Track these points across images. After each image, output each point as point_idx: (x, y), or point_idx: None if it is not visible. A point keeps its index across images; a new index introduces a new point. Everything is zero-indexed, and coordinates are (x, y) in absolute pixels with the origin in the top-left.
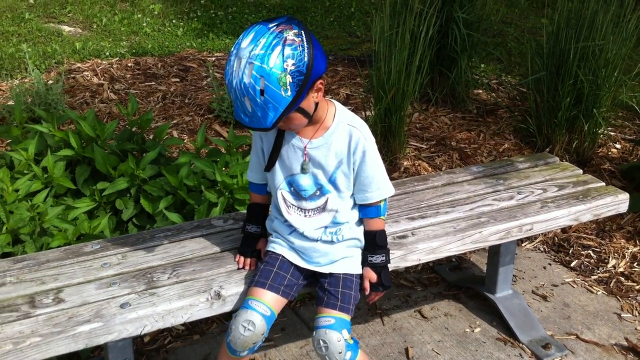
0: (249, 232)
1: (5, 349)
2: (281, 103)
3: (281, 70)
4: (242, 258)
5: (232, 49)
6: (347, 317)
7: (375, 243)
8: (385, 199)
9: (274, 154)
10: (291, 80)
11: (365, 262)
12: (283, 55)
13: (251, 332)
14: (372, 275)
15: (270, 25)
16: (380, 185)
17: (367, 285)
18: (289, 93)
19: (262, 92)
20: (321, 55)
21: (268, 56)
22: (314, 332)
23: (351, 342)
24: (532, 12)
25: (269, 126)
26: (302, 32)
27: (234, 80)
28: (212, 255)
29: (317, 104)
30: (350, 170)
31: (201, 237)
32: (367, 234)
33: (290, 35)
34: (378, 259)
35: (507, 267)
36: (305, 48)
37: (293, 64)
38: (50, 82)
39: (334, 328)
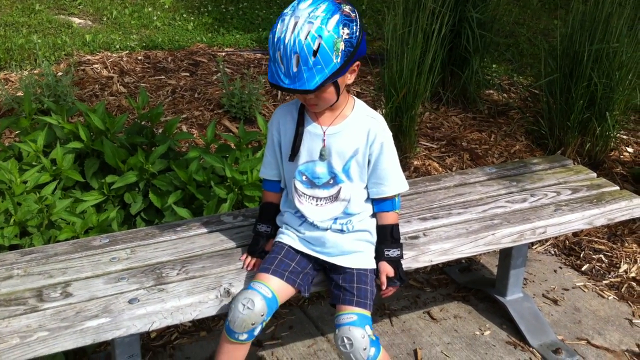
0: (260, 231)
1: (12, 342)
2: (329, 67)
3: (337, 36)
4: (248, 258)
5: (287, 11)
6: (367, 313)
7: (392, 236)
8: (399, 193)
9: (298, 141)
10: (343, 48)
11: (381, 256)
12: (340, 23)
13: (250, 310)
14: (389, 270)
15: None
16: (396, 179)
17: (384, 279)
18: (338, 60)
19: (315, 52)
20: (364, 39)
21: (327, 19)
22: (337, 330)
23: (374, 338)
24: (545, 13)
25: (312, 88)
26: (356, 10)
27: (287, 37)
28: (222, 251)
29: (345, 87)
30: (365, 161)
31: (211, 233)
32: (382, 228)
33: (346, 8)
34: (394, 252)
35: (518, 270)
36: (357, 24)
37: (347, 34)
38: (60, 74)
39: (357, 324)
